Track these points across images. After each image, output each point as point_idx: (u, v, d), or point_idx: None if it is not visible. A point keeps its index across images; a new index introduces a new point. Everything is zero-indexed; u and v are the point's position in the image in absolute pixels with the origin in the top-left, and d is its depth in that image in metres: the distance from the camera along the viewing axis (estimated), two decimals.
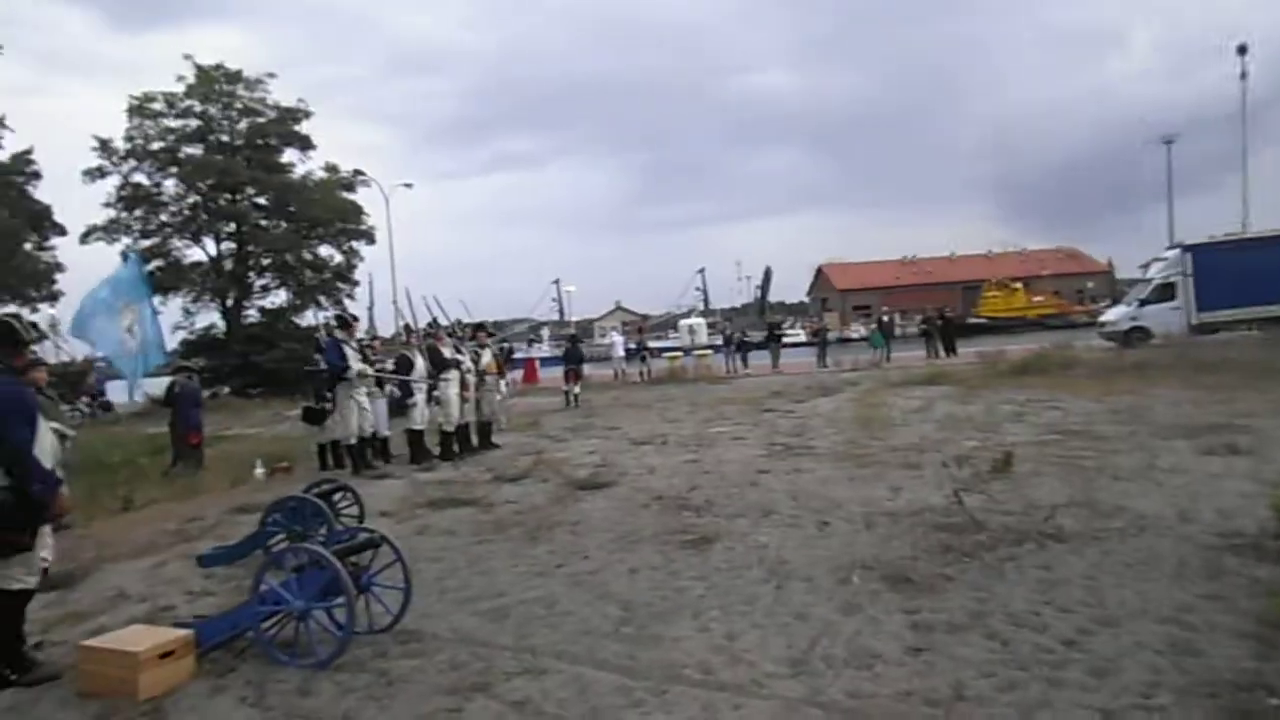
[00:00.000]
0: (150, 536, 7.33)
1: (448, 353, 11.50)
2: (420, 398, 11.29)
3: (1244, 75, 32.74)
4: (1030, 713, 3.13)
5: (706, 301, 74.05)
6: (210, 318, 34.12)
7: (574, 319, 70.21)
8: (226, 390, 30.20)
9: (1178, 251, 25.04)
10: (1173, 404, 10.99)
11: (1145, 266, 28.61)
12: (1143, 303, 24.87)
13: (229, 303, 33.69)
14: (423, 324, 12.77)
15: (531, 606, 4.87)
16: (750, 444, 10.48)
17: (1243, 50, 33.00)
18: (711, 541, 5.90)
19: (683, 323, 53.63)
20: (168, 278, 31.72)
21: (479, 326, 13.80)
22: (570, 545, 6.15)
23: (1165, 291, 24.27)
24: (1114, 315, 26.75)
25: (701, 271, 75.10)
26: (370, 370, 10.97)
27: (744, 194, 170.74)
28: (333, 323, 12.58)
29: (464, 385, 11.50)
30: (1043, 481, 6.89)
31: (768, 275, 79.32)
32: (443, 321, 13.02)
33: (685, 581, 5.11)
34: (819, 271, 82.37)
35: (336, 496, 6.68)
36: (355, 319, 12.34)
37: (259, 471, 10.48)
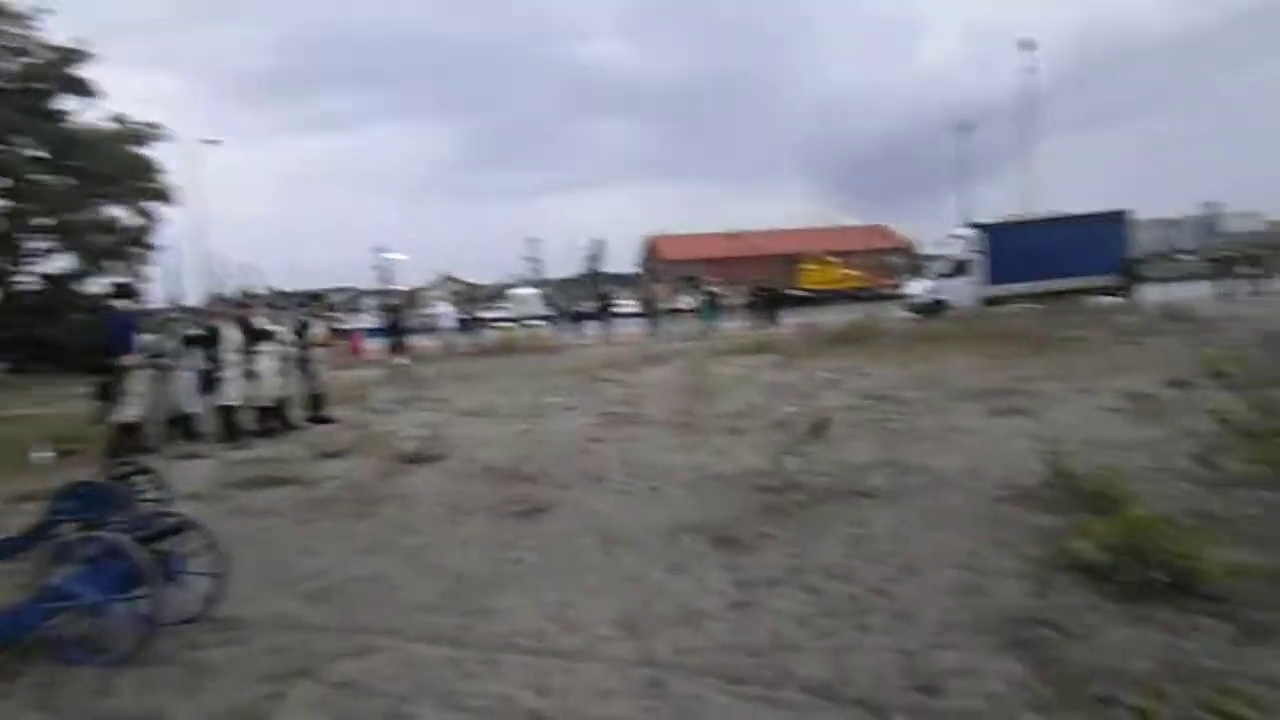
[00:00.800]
0: None
1: (264, 324, 10.81)
2: (232, 372, 10.58)
3: (1031, 70, 35.98)
4: (841, 655, 3.38)
5: (539, 272, 73.62)
6: None
7: (402, 288, 67.70)
8: (3, 366, 26.94)
9: (973, 230, 27.41)
10: (966, 370, 12.06)
11: (941, 244, 31.17)
12: (941, 277, 27.08)
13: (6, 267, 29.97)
14: (236, 292, 11.93)
15: (358, 585, 4.71)
16: (582, 414, 10.56)
17: (1029, 46, 36.25)
18: (544, 511, 5.92)
19: (513, 292, 53.03)
20: None
21: (314, 296, 13.08)
22: (398, 520, 5.99)
23: (961, 267, 26.52)
24: (916, 289, 28.94)
25: (533, 241, 74.51)
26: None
27: (578, 164, 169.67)
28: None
29: (282, 358, 10.88)
30: (854, 444, 7.38)
31: (597, 246, 79.78)
32: (259, 291, 12.23)
33: (518, 552, 5.11)
34: (650, 243, 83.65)
35: (137, 479, 6.15)
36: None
37: (42, 455, 9.46)
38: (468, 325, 26.83)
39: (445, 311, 29.29)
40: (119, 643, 3.85)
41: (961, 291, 25.80)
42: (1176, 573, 3.67)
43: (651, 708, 3.12)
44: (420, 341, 25.75)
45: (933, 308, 25.70)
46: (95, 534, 4.16)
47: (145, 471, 6.31)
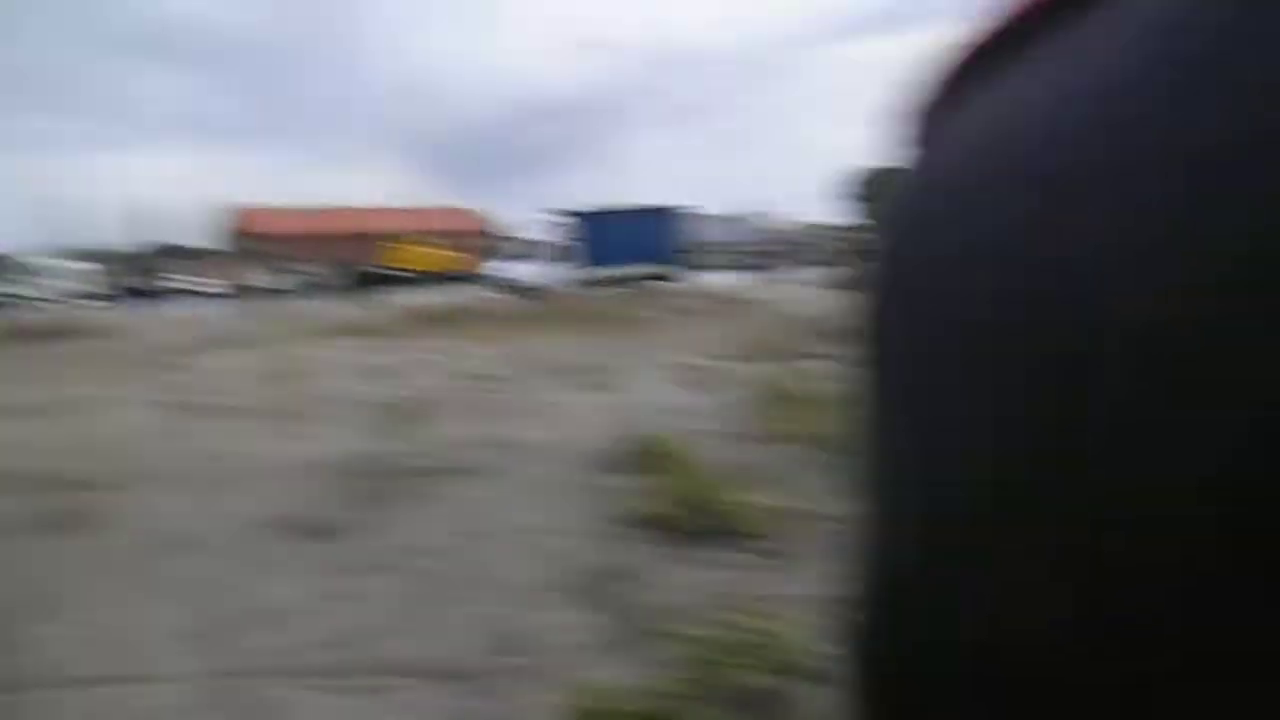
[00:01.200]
0: None
1: None
2: None
3: (613, 69, 39.12)
4: (432, 633, 3.44)
5: (78, 240, 62.11)
6: None
7: None
8: None
9: (571, 216, 29.20)
10: (557, 349, 12.84)
11: (538, 228, 32.71)
12: (537, 260, 28.47)
13: None
14: None
15: None
16: (147, 405, 9.26)
17: (596, 48, 39.48)
18: (94, 521, 5.10)
19: (42, 263, 41.89)
20: None
21: None
22: None
23: (559, 251, 28.14)
24: (512, 271, 30.05)
25: (67, 202, 62.75)
26: None
27: (127, 116, 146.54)
28: None
29: None
30: (453, 423, 7.48)
31: (149, 216, 70.02)
32: None
33: (61, 572, 4.35)
34: (231, 215, 75.63)
35: None
36: None
37: None
38: None
39: None
40: None
41: (558, 274, 27.39)
42: (726, 519, 4.34)
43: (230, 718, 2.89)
44: None
45: (529, 290, 26.90)
46: None
47: None
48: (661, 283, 28.34)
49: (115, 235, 71.19)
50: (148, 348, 15.70)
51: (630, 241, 27.68)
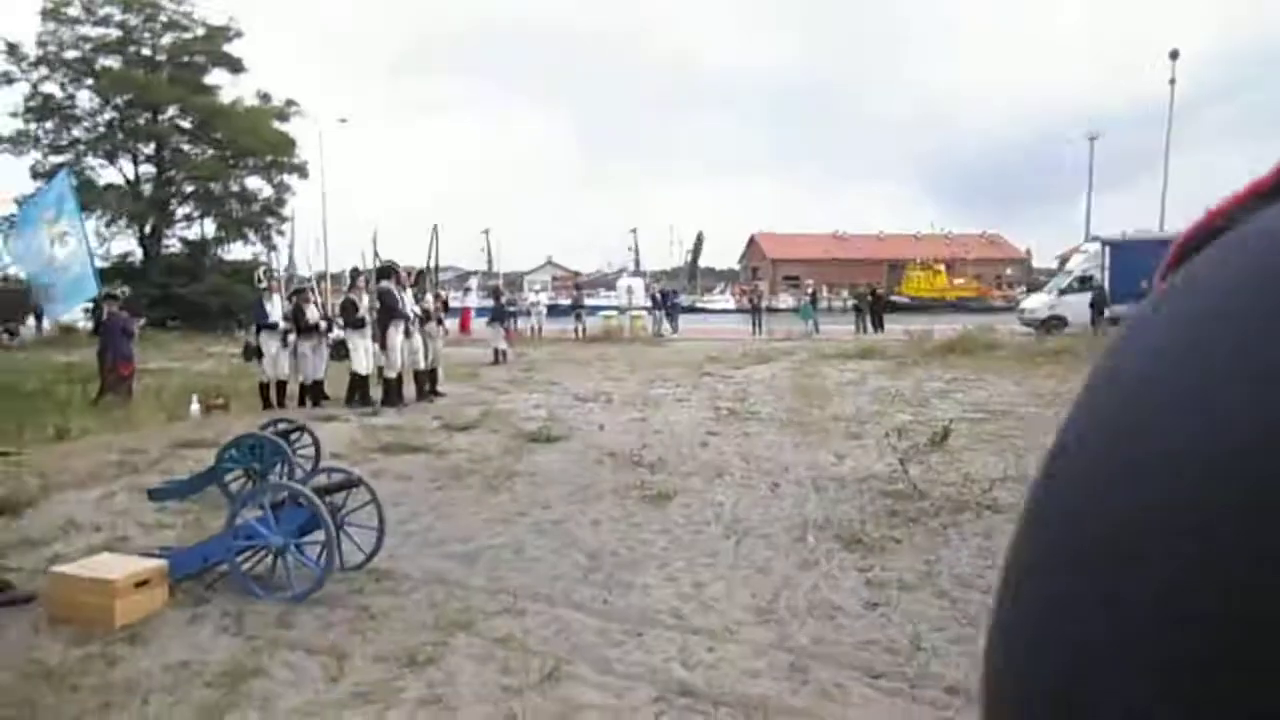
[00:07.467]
0: (91, 467, 7.15)
1: (403, 296, 11.44)
2: (364, 342, 11.21)
3: (1173, 81, 33.98)
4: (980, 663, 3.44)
5: (638, 262, 74.06)
6: (127, 244, 32.56)
7: (503, 271, 69.28)
8: (143, 322, 28.95)
9: (1096, 245, 26.29)
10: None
11: (1064, 257, 29.87)
12: (1061, 292, 26.07)
13: (147, 229, 32.14)
14: (371, 266, 12.60)
15: (500, 551, 5.01)
16: (694, 406, 10.74)
17: (1174, 55, 34.25)
18: (669, 498, 6.11)
19: (621, 282, 53.14)
20: (80, 197, 30.05)
21: (422, 273, 13.70)
22: (530, 495, 6.29)
23: (1083, 283, 25.47)
24: (1033, 303, 27.92)
25: (634, 232, 74.97)
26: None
27: (679, 157, 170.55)
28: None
29: (407, 332, 11.47)
30: (976, 456, 7.31)
31: (699, 240, 79.90)
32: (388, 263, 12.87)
33: (648, 534, 5.31)
34: (751, 240, 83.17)
35: (294, 436, 6.65)
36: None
37: (194, 408, 10.24)
38: (573, 311, 27.34)
39: (540, 298, 30.08)
40: (296, 583, 4.23)
41: (1083, 308, 24.78)
42: None
43: (796, 690, 3.27)
44: (521, 324, 26.41)
45: (1051, 323, 24.79)
46: (283, 483, 4.56)
47: (301, 430, 6.81)
48: None
49: (666, 257, 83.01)
50: (691, 356, 18.07)
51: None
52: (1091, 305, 24.00)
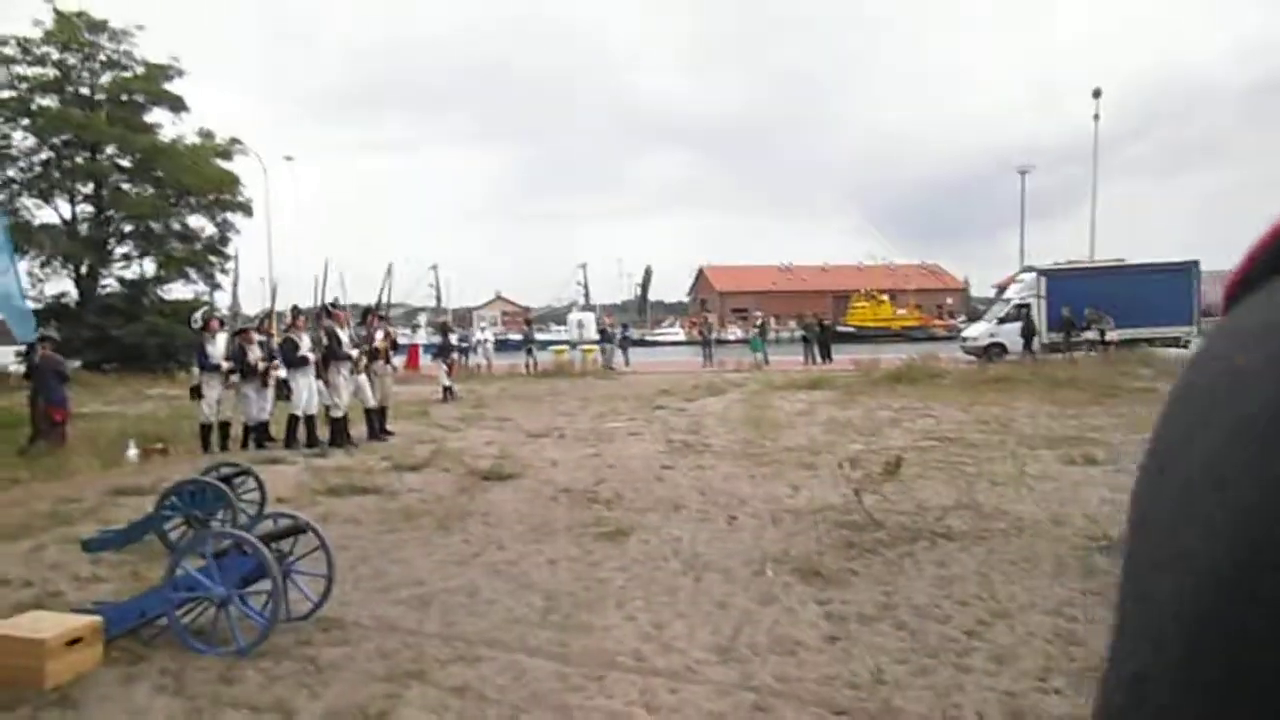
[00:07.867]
0: (21, 518, 6.82)
1: (345, 336, 11.21)
2: (307, 380, 10.96)
3: (1097, 116, 35.54)
4: (945, 695, 3.44)
5: (587, 296, 74.25)
6: (62, 285, 31.50)
7: (452, 307, 68.78)
8: (78, 364, 27.97)
9: (1032, 274, 27.08)
10: (1031, 416, 11.95)
11: (1000, 287, 30.64)
12: (1001, 320, 26.74)
13: (83, 269, 31.17)
14: (312, 306, 12.37)
15: (453, 595, 4.88)
16: (648, 440, 10.70)
17: (1097, 94, 35.86)
18: (626, 534, 6.05)
19: (572, 316, 53.25)
20: (13, 238, 29.04)
21: (369, 310, 13.47)
22: (484, 535, 6.17)
23: (1021, 311, 26.18)
24: (975, 331, 28.57)
25: (584, 266, 75.22)
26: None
27: (625, 192, 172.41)
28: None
29: (356, 370, 11.25)
30: (928, 484, 7.40)
31: (648, 274, 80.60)
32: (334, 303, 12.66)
33: (605, 572, 5.24)
34: (700, 273, 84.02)
35: (238, 480, 6.44)
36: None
37: (132, 453, 9.88)
38: (523, 346, 27.19)
39: (489, 334, 29.90)
40: (240, 636, 4.06)
41: (1018, 336, 25.44)
42: None
43: None
44: (470, 360, 26.15)
45: (992, 351, 25.38)
46: (226, 530, 4.40)
47: (245, 473, 6.60)
48: (1156, 347, 24.70)
49: (615, 291, 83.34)
50: (642, 389, 18.05)
51: (1119, 301, 24.57)
52: (1021, 335, 24.77)
